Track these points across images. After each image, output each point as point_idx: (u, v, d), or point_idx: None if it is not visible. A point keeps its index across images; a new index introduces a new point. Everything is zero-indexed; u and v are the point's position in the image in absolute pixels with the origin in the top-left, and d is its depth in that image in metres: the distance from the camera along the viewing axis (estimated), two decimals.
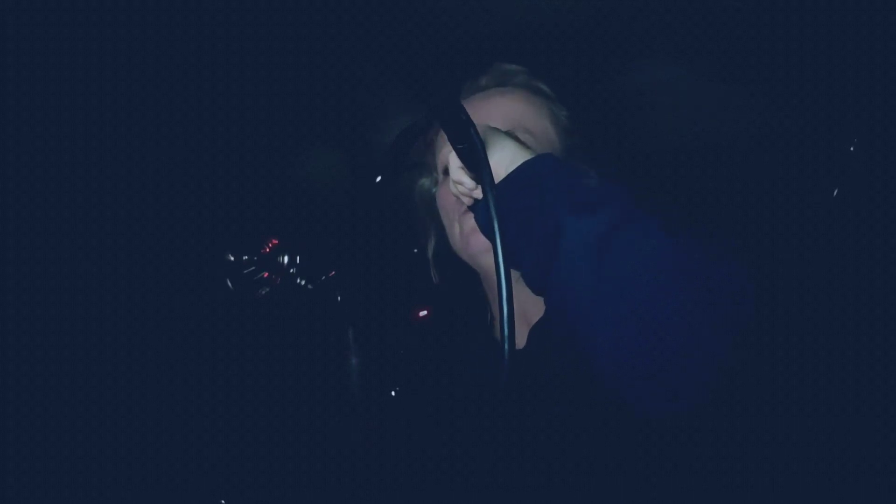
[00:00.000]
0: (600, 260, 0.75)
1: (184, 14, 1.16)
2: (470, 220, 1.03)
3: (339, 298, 1.06)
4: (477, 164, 0.80)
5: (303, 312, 1.05)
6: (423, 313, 1.27)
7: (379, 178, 1.06)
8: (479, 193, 0.91)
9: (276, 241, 0.97)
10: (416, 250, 1.25)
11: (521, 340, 1.04)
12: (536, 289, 0.83)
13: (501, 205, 0.79)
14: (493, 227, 0.76)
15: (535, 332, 1.03)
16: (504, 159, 0.86)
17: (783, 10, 1.16)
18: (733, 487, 0.91)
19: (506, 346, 0.74)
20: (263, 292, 0.81)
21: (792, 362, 1.13)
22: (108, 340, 1.17)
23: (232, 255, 0.78)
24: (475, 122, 0.97)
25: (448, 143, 0.87)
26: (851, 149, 1.26)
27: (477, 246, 1.05)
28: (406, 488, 0.99)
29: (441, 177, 1.15)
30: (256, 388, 1.16)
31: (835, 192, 1.27)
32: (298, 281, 0.82)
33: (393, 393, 1.05)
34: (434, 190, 1.17)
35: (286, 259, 0.80)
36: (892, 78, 1.20)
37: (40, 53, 1.11)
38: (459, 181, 0.90)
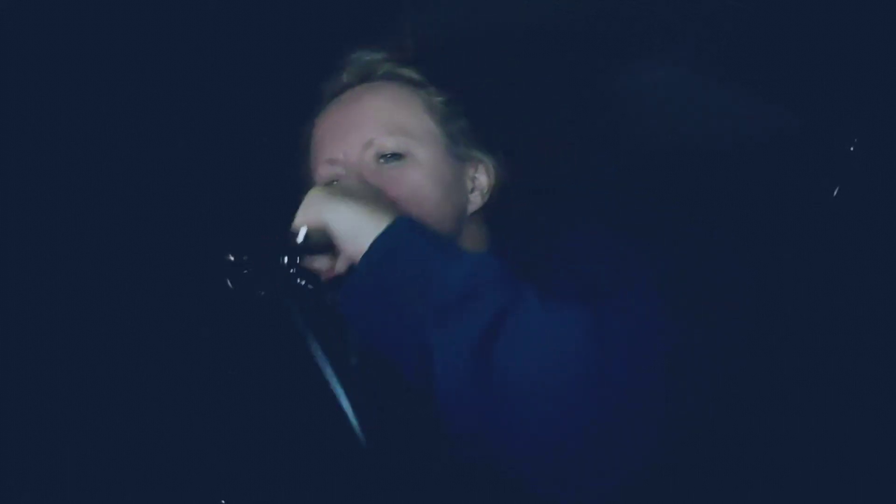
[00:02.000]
0: (478, 371, 0.69)
1: (183, 14, 1.16)
2: None
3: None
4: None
5: (302, 312, 1.05)
6: None
7: None
8: (340, 267, 0.85)
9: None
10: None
11: None
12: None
13: (357, 323, 0.76)
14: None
15: None
16: (348, 237, 0.79)
17: (784, 11, 1.16)
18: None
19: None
20: (263, 292, 0.80)
21: (792, 362, 1.13)
22: (108, 340, 1.17)
23: (232, 255, 0.78)
24: (347, 125, 0.96)
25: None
26: (851, 149, 1.25)
27: None
28: (405, 488, 0.99)
29: None
30: (256, 388, 1.16)
31: (835, 192, 1.27)
32: (298, 281, 0.82)
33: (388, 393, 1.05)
34: None
35: (286, 259, 0.80)
36: (892, 78, 1.20)
37: (40, 53, 1.11)
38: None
